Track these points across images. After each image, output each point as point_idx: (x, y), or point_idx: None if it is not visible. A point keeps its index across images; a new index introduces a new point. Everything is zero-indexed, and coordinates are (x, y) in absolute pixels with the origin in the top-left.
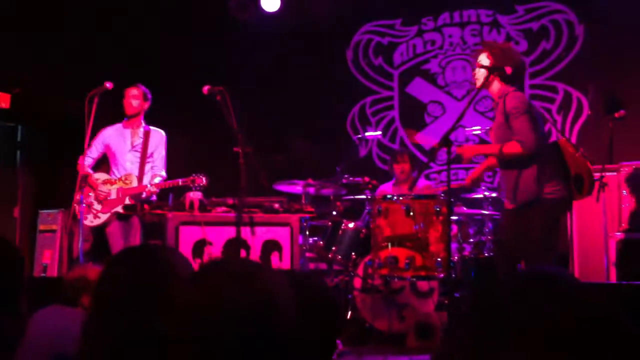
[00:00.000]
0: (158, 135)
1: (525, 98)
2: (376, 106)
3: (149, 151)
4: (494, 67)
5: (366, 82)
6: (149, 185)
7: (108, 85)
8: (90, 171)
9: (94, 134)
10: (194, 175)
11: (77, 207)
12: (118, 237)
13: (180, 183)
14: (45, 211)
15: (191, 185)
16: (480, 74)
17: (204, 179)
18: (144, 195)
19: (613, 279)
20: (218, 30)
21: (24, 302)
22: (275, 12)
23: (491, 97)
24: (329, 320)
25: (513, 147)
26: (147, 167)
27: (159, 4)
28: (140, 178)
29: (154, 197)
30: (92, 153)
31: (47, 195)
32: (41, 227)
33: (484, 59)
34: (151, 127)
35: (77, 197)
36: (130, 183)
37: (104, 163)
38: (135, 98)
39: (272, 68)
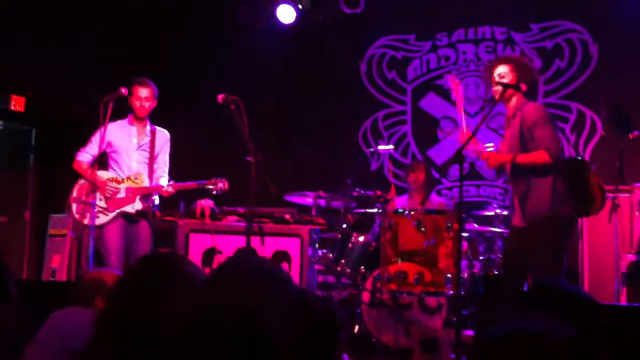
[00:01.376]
0: (164, 137)
1: (545, 109)
2: (389, 120)
3: (156, 152)
4: (510, 85)
5: (379, 96)
6: (165, 186)
7: (123, 90)
8: (90, 169)
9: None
10: (215, 178)
11: (75, 206)
12: (116, 236)
13: (201, 186)
14: (55, 215)
15: (212, 188)
16: (499, 88)
17: (226, 183)
18: (166, 194)
19: (623, 300)
20: (230, 39)
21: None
22: (291, 23)
23: (506, 109)
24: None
25: (540, 156)
26: (153, 167)
27: (172, 9)
28: (150, 178)
29: (157, 201)
30: (92, 150)
31: (58, 200)
32: (51, 231)
33: (503, 70)
34: (156, 127)
35: (90, 200)
36: (142, 182)
37: (100, 161)
38: (147, 100)
39: (286, 79)
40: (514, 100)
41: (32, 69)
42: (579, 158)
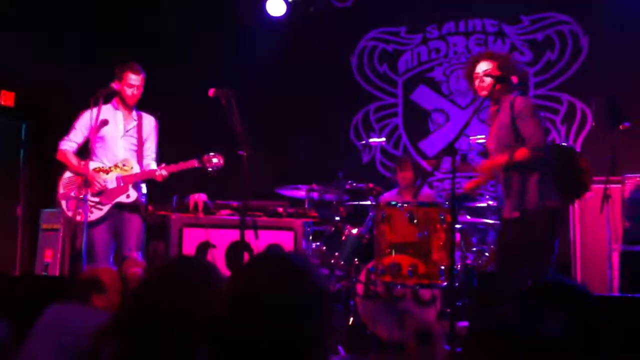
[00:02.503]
0: (151, 122)
1: (533, 101)
2: (380, 113)
3: (143, 137)
4: (502, 77)
5: (370, 89)
6: (158, 170)
7: (114, 86)
8: (76, 159)
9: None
10: (208, 154)
11: (64, 203)
12: (105, 232)
13: (195, 164)
14: (47, 210)
15: (208, 165)
16: (486, 83)
17: (221, 158)
18: (159, 178)
19: (616, 290)
20: (222, 33)
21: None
22: (281, 16)
23: (493, 102)
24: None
25: (524, 153)
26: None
27: (163, 4)
28: (140, 163)
29: (144, 189)
30: (76, 137)
31: (50, 194)
32: (43, 225)
33: (487, 67)
34: (142, 113)
35: (82, 195)
36: (131, 169)
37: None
38: (138, 89)
39: (276, 73)
40: (500, 91)
41: (22, 64)
42: (565, 145)
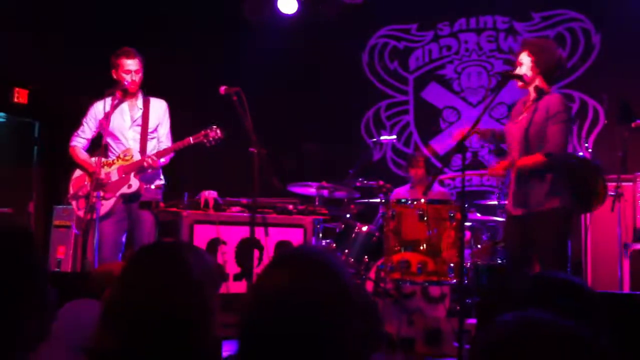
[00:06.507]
0: (161, 106)
1: (567, 103)
2: (391, 110)
3: (152, 124)
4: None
5: (381, 86)
6: (146, 158)
7: (126, 83)
8: (85, 154)
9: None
10: (205, 129)
11: (74, 203)
12: (111, 228)
13: (191, 141)
14: (60, 207)
15: (205, 140)
16: (524, 71)
17: (218, 130)
18: (146, 165)
19: (627, 289)
20: (232, 31)
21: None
22: (292, 14)
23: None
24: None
25: (537, 158)
26: (153, 142)
27: (173, 3)
28: (142, 151)
29: (165, 161)
30: (85, 133)
31: (62, 191)
32: (56, 222)
33: (524, 58)
34: (150, 97)
35: (91, 193)
36: (131, 158)
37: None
38: (137, 72)
39: (287, 70)
40: (536, 82)
41: (35, 61)
42: (593, 163)
